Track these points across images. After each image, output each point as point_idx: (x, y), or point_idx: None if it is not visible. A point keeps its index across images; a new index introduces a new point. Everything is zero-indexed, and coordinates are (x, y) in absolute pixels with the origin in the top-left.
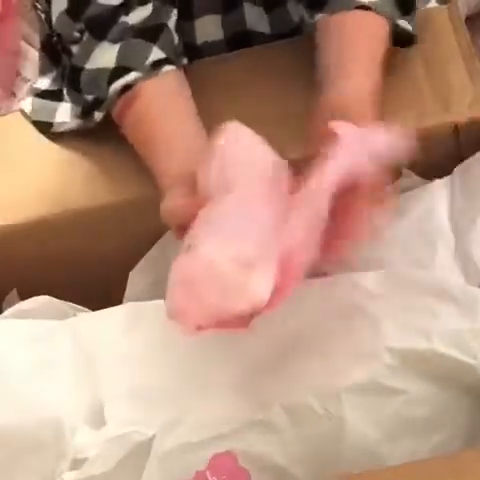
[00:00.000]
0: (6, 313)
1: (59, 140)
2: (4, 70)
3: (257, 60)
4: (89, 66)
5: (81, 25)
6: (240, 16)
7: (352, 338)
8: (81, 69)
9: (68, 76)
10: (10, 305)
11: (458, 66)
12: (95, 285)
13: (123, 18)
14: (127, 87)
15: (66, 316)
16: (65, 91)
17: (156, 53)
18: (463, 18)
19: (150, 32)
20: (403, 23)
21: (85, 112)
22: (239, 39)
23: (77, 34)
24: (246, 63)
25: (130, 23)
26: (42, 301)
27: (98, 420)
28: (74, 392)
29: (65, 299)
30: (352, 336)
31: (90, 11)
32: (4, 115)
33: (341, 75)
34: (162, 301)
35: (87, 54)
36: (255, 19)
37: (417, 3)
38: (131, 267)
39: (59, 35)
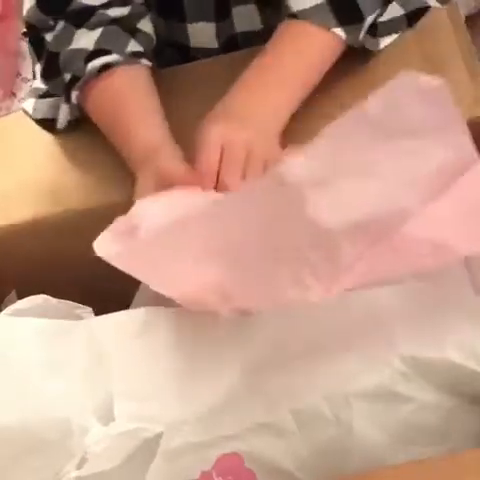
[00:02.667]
0: (4, 312)
1: (59, 140)
2: (4, 70)
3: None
4: (67, 48)
5: (57, 16)
6: (231, 22)
7: (365, 344)
8: (58, 53)
9: (45, 64)
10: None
11: (458, 66)
12: (95, 285)
13: (101, 10)
14: (105, 67)
15: (63, 315)
16: (42, 83)
17: (134, 45)
18: (463, 18)
19: (129, 27)
20: (339, 31)
21: (66, 95)
22: (232, 44)
23: (51, 22)
24: (240, 64)
25: (109, 15)
26: (38, 300)
27: (108, 417)
28: (84, 390)
29: (65, 299)
30: (365, 342)
31: (70, 9)
32: (5, 115)
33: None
34: (177, 308)
35: (65, 39)
36: (246, 20)
37: (368, 13)
38: None
39: (31, 26)
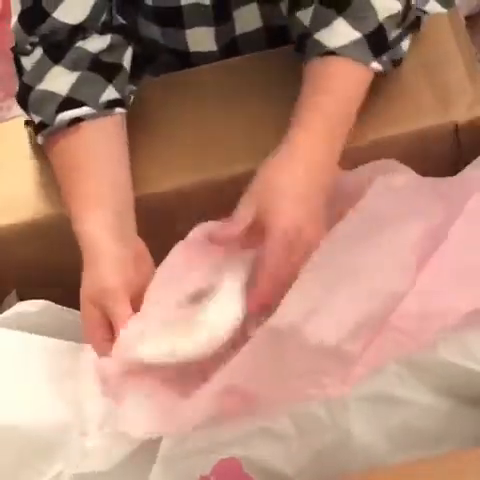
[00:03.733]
0: (5, 314)
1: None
2: (5, 71)
3: (253, 67)
4: (40, 87)
5: (35, 39)
6: (231, 25)
7: None
8: (31, 88)
9: (18, 93)
10: (10, 306)
11: (458, 66)
12: None
13: (80, 43)
14: (75, 120)
15: (64, 321)
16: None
17: (110, 92)
18: (463, 18)
19: (107, 69)
20: (376, 66)
21: (34, 131)
22: (231, 46)
23: (29, 47)
24: (241, 70)
25: (87, 51)
26: (41, 306)
27: (107, 419)
28: (88, 400)
29: (65, 299)
30: None
31: (46, 26)
32: (5, 115)
33: (293, 124)
34: None
35: (40, 74)
36: (247, 21)
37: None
38: None
39: (15, 44)
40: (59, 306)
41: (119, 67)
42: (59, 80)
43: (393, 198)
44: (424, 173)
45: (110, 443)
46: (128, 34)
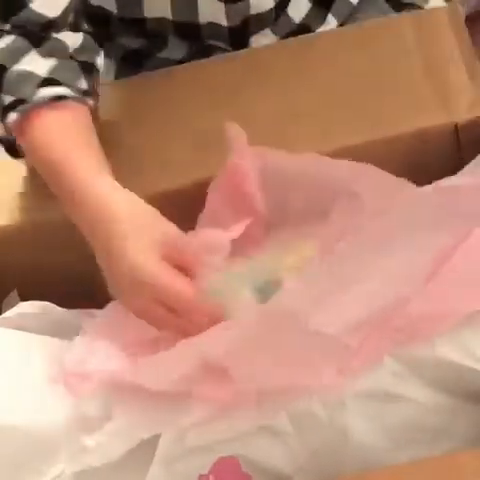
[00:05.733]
0: (5, 315)
1: None
2: None
3: (257, 60)
4: (17, 67)
5: (6, 27)
6: (246, 4)
7: None
8: (5, 68)
9: None
10: (10, 306)
11: (458, 66)
12: (95, 285)
13: (55, 35)
14: (55, 99)
15: (65, 322)
16: None
17: (86, 84)
18: (463, 18)
19: (82, 65)
20: None
21: (2, 111)
22: (243, 26)
23: (3, 30)
24: (246, 63)
25: (64, 42)
26: (42, 307)
27: (107, 417)
28: (88, 399)
29: (65, 299)
30: None
31: (22, 15)
32: None
33: None
34: None
35: (16, 56)
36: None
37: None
38: None
39: None
40: (59, 307)
41: (92, 66)
42: (37, 63)
43: (426, 206)
44: (424, 173)
45: (109, 441)
46: (99, 39)
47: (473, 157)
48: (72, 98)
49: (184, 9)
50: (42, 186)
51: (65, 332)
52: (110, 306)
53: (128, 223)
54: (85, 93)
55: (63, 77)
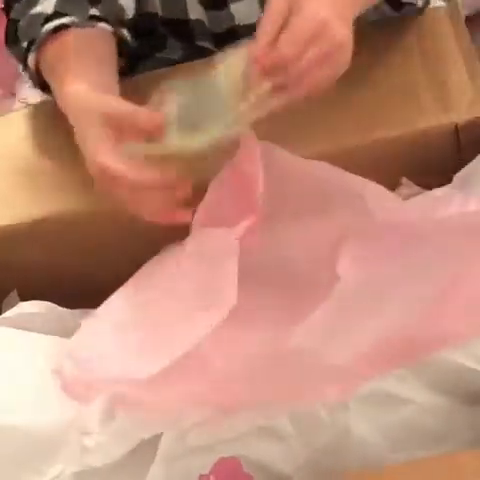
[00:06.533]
0: (6, 314)
1: (60, 141)
2: (4, 70)
3: None
4: (30, 12)
5: None
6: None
7: None
8: (18, 20)
9: (6, 30)
10: (10, 306)
11: (458, 66)
12: (95, 285)
13: None
14: (61, 27)
15: (65, 322)
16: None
17: (95, 11)
18: (463, 18)
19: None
20: None
21: (24, 62)
22: (229, 34)
23: None
24: None
25: None
26: (42, 306)
27: (108, 417)
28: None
29: (65, 298)
30: None
31: None
32: (4, 115)
33: None
34: None
35: (26, 8)
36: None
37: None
38: (133, 271)
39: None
40: (60, 307)
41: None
42: (44, 4)
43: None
44: (424, 173)
45: (110, 441)
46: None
47: (473, 157)
48: (75, 25)
49: (173, 6)
50: (43, 186)
51: (65, 332)
52: (107, 302)
53: (75, 113)
54: (95, 18)
55: (68, 8)
